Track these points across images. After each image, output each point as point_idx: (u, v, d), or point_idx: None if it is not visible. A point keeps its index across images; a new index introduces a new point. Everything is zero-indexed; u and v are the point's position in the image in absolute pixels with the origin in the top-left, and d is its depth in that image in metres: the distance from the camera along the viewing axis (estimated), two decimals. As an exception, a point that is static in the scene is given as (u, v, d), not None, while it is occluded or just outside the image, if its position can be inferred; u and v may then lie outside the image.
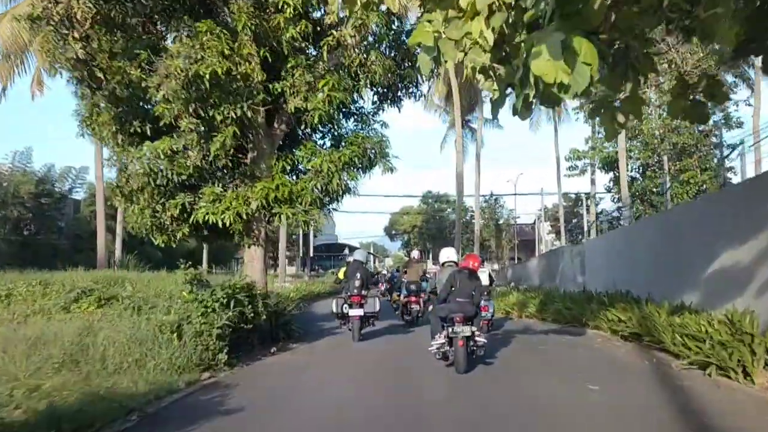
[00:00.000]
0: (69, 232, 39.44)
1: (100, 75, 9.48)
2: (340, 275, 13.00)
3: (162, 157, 9.60)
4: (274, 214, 10.32)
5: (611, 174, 31.10)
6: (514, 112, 3.85)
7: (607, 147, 29.77)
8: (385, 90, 12.06)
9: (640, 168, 28.94)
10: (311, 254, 51.80)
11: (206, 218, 9.76)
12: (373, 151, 11.22)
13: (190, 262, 9.78)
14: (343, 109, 11.94)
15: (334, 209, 12.24)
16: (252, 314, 9.20)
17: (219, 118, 9.20)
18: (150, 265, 32.53)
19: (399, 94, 12.25)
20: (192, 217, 9.96)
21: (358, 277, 11.53)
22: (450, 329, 7.71)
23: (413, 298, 14.46)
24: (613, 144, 29.08)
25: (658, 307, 9.50)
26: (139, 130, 9.96)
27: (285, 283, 27.29)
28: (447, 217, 59.95)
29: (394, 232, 65.54)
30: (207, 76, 8.60)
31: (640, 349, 9.36)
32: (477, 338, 7.80)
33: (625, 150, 25.97)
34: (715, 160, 24.04)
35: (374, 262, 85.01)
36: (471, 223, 51.75)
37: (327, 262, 66.70)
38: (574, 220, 61.26)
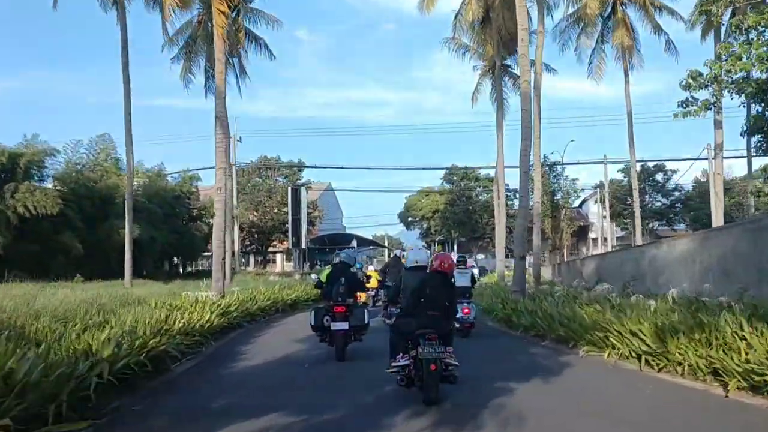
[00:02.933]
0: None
1: None
2: (323, 277, 10.31)
3: None
4: None
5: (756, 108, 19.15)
6: None
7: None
8: None
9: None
10: (304, 245, 40.12)
11: None
12: None
13: None
14: None
15: None
16: None
17: None
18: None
19: None
20: None
21: (343, 282, 9.50)
22: (420, 349, 6.20)
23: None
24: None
25: None
26: None
27: (208, 293, 15.64)
28: (476, 199, 48.08)
29: (410, 218, 53.66)
30: None
31: None
32: (448, 359, 6.31)
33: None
34: None
35: (388, 257, 73.73)
36: (509, 205, 39.67)
37: (331, 257, 55.56)
38: (628, 201, 48.70)
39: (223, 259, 15.97)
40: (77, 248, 26.81)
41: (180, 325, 9.14)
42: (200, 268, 45.93)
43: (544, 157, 37.78)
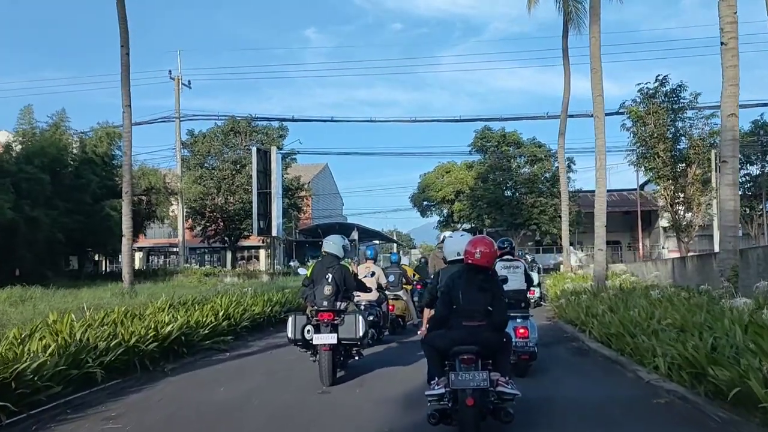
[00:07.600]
0: None
1: None
2: (310, 274, 8.00)
3: None
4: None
5: None
6: None
7: None
8: None
9: None
10: (275, 232, 27.69)
11: None
12: None
13: None
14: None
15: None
16: None
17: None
18: None
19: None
20: None
21: (330, 280, 7.34)
22: (453, 376, 4.44)
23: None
24: None
25: None
26: None
27: None
28: (516, 172, 35.59)
29: (426, 202, 41.24)
30: None
31: None
32: (502, 387, 4.45)
33: None
34: None
35: (400, 255, 61.54)
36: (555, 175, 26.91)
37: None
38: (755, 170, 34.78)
39: None
40: None
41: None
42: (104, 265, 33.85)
43: (659, 78, 24.47)
